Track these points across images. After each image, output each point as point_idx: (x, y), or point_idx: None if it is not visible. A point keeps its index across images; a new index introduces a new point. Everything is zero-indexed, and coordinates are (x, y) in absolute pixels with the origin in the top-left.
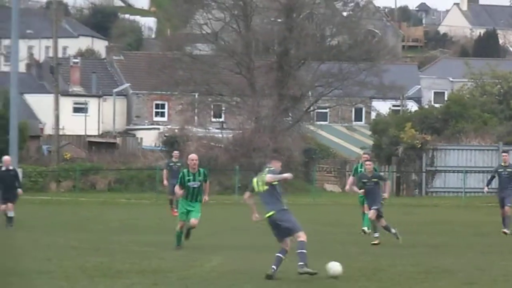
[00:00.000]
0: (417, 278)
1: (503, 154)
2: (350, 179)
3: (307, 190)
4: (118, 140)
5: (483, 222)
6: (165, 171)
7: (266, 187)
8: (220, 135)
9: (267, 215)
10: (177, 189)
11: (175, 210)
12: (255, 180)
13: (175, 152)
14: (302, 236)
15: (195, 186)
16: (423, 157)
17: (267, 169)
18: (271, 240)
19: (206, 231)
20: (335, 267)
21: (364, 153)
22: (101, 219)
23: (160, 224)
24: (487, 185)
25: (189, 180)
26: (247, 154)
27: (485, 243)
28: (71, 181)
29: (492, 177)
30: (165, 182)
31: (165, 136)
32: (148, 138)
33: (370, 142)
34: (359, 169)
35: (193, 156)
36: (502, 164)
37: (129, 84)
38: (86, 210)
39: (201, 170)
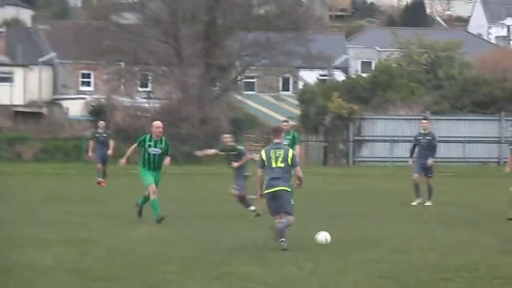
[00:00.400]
0: (344, 247)
1: (423, 121)
2: None
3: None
4: (44, 110)
5: (410, 192)
6: (91, 142)
7: (283, 164)
8: (147, 105)
9: (274, 189)
10: (131, 148)
11: (102, 181)
12: (270, 154)
13: (101, 122)
14: (291, 220)
15: (155, 153)
16: (350, 126)
17: (276, 143)
18: (199, 209)
19: (133, 200)
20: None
21: (283, 122)
22: (27, 189)
23: (87, 194)
24: (411, 156)
25: (149, 146)
26: (174, 123)
27: (412, 212)
28: None
29: (414, 146)
30: (90, 153)
31: (91, 105)
32: (75, 107)
33: (298, 111)
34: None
35: (158, 123)
36: (422, 131)
37: (55, 54)
38: (11, 180)
39: (163, 138)
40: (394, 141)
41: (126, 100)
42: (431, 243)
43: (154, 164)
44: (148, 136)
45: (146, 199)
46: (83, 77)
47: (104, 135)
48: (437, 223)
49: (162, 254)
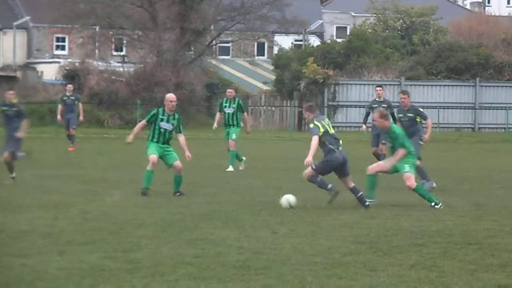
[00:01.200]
0: (318, 212)
1: (377, 88)
2: (218, 115)
3: (209, 125)
4: (19, 74)
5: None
6: (59, 106)
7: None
8: (121, 69)
9: (344, 154)
10: (139, 125)
11: (73, 145)
12: (324, 123)
13: (69, 85)
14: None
15: (166, 128)
16: (325, 92)
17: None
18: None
19: (107, 164)
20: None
21: (228, 90)
22: None
23: (61, 158)
24: (365, 123)
25: (161, 120)
26: (148, 88)
27: (386, 178)
28: None
29: (368, 113)
30: (59, 117)
31: (65, 69)
32: (49, 71)
33: (272, 76)
34: (224, 104)
35: (172, 96)
36: (377, 99)
37: (29, 17)
38: None
39: (177, 114)
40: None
41: (100, 64)
42: (405, 208)
43: (165, 139)
44: (161, 110)
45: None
46: (57, 41)
47: (72, 98)
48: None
49: (136, 219)
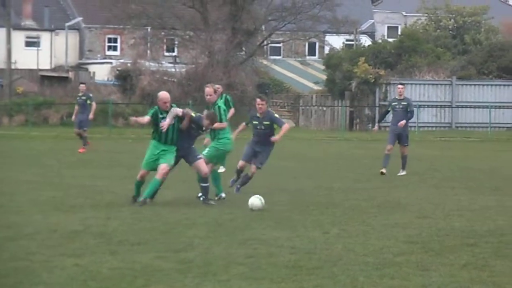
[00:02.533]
0: (370, 212)
1: (399, 86)
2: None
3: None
4: (71, 74)
5: (436, 157)
6: (75, 106)
7: None
8: (173, 70)
9: None
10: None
11: (84, 147)
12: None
13: (81, 85)
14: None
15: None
16: (376, 91)
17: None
18: (223, 174)
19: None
20: (255, 202)
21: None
22: (54, 153)
23: (113, 159)
24: (379, 122)
25: (162, 119)
26: (200, 88)
27: (438, 178)
28: (24, 115)
29: (387, 112)
30: (73, 117)
31: (117, 70)
32: (101, 72)
33: (324, 76)
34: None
35: (165, 97)
36: (397, 97)
37: (81, 18)
38: (39, 145)
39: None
40: (420, 106)
41: (152, 65)
42: (457, 208)
43: (165, 138)
44: (157, 108)
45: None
46: (109, 42)
47: (83, 98)
48: (463, 189)
49: (187, 219)
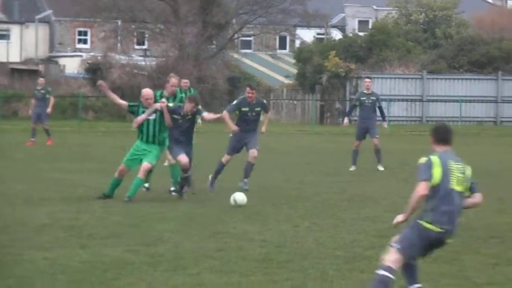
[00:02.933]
0: (340, 206)
1: (366, 80)
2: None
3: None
4: (41, 67)
5: (406, 150)
6: (32, 100)
7: None
8: (143, 63)
9: None
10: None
11: (32, 140)
12: None
13: (40, 79)
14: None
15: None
16: (347, 85)
17: None
18: (195, 168)
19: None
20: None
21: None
22: (23, 146)
23: (83, 152)
24: (348, 116)
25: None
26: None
27: (408, 172)
28: None
29: (354, 106)
30: (30, 111)
31: (87, 63)
32: (71, 65)
33: (294, 70)
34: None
35: (147, 94)
36: (365, 91)
37: (51, 11)
38: (8, 138)
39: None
40: (391, 100)
41: (122, 58)
42: None
43: (148, 134)
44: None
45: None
46: (79, 35)
47: (42, 91)
48: None
49: (158, 212)
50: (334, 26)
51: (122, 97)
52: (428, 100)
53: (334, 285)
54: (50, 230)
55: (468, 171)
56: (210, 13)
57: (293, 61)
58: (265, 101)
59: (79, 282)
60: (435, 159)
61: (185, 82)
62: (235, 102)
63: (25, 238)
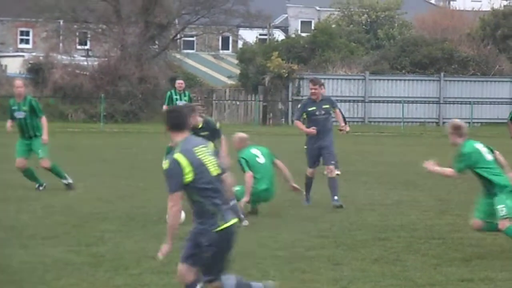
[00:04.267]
0: (282, 205)
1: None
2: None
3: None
4: None
5: (349, 151)
6: None
7: None
8: (86, 63)
9: None
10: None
11: None
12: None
13: None
14: None
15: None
16: (290, 86)
17: None
18: (135, 168)
19: (71, 158)
20: None
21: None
22: None
23: None
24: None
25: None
26: (112, 82)
27: (351, 172)
28: None
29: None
30: None
31: (29, 63)
32: (13, 65)
33: (237, 71)
34: (174, 96)
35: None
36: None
37: None
38: None
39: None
40: None
41: (64, 58)
42: (369, 202)
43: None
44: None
45: None
46: (21, 35)
47: None
48: (375, 183)
49: (99, 213)
50: (276, 27)
51: (64, 97)
52: (371, 101)
53: (275, 286)
54: None
55: (211, 147)
56: (153, 13)
57: (236, 61)
58: (331, 97)
59: (19, 282)
60: (180, 158)
61: (180, 83)
62: (299, 105)
63: None
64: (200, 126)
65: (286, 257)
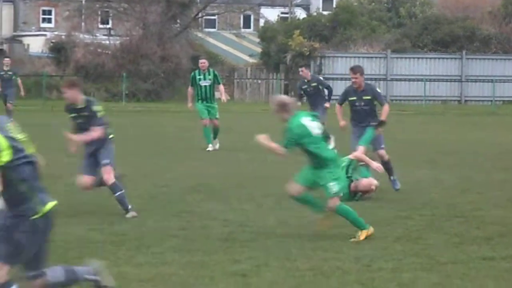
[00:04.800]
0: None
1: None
2: (190, 90)
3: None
4: (5, 47)
5: None
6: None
7: None
8: (107, 42)
9: None
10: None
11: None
12: None
13: (6, 59)
14: None
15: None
16: (311, 64)
17: None
18: (158, 147)
19: None
20: None
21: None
22: None
23: (47, 131)
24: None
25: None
26: (134, 61)
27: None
28: None
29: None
30: None
31: (52, 42)
32: (35, 44)
33: (259, 49)
34: (198, 77)
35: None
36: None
37: None
38: None
39: (211, 70)
40: None
41: (86, 37)
42: (389, 182)
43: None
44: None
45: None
46: (44, 14)
47: (9, 72)
48: (397, 161)
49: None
50: (298, 5)
51: (86, 76)
52: (392, 79)
53: (297, 264)
54: None
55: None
56: None
57: (258, 40)
58: (378, 89)
59: None
60: None
61: (203, 62)
62: (343, 91)
63: None
64: (81, 106)
65: (308, 236)
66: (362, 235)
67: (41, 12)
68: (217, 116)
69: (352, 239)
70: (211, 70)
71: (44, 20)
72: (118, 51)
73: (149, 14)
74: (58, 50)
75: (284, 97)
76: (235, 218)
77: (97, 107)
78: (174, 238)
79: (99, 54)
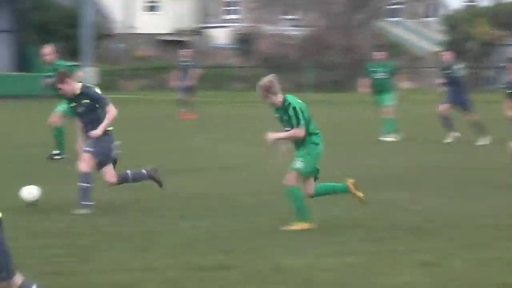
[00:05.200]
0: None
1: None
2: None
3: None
4: (189, 39)
5: None
6: (174, 71)
7: None
8: (292, 33)
9: None
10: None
11: (183, 112)
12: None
13: (186, 50)
14: None
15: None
16: (496, 52)
17: None
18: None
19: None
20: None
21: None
22: (173, 118)
23: (229, 122)
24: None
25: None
26: (318, 51)
27: None
28: (144, 79)
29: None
30: (175, 82)
31: (237, 34)
32: (221, 36)
33: (442, 37)
34: (371, 69)
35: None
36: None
37: None
38: (157, 109)
39: (388, 63)
40: None
41: (271, 28)
42: None
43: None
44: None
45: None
46: (228, 6)
47: (187, 63)
48: None
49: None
50: None
51: (270, 66)
52: None
53: (480, 253)
54: (202, 198)
55: None
56: None
57: (442, 28)
58: None
59: (230, 250)
60: None
61: (375, 54)
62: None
63: (175, 208)
64: (78, 92)
65: (493, 225)
66: (298, 226)
67: (226, 4)
68: (390, 104)
69: (286, 227)
70: (387, 63)
71: (228, 11)
72: (302, 42)
73: (334, 5)
74: (243, 42)
75: (266, 80)
76: (420, 208)
77: (97, 89)
78: (358, 228)
79: (283, 45)
